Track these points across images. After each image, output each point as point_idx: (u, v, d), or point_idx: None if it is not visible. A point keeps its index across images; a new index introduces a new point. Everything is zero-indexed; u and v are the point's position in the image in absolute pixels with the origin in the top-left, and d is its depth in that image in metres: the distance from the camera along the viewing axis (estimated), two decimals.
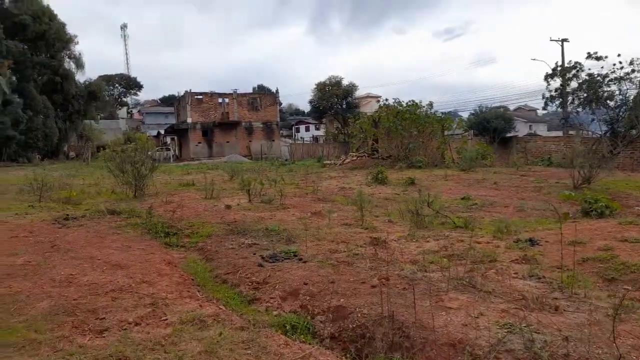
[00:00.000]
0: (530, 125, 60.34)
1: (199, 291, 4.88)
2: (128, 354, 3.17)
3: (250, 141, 49.38)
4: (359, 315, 3.90)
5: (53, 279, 4.89)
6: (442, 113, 28.43)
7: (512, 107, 57.34)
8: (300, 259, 5.68)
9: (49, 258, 5.79)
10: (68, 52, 42.57)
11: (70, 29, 42.42)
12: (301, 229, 7.39)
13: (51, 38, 38.50)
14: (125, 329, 3.65)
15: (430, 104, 26.17)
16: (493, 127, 34.21)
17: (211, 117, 48.01)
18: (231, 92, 50.03)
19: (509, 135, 35.27)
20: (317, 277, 4.90)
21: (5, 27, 33.04)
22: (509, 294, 4.15)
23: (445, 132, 26.32)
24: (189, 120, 47.03)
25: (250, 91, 60.70)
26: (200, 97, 48.18)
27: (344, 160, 26.65)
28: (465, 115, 46.33)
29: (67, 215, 9.11)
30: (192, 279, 5.32)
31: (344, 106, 54.16)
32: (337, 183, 15.83)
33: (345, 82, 54.08)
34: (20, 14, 35.44)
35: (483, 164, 21.68)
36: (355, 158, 25.87)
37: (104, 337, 3.51)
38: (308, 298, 4.44)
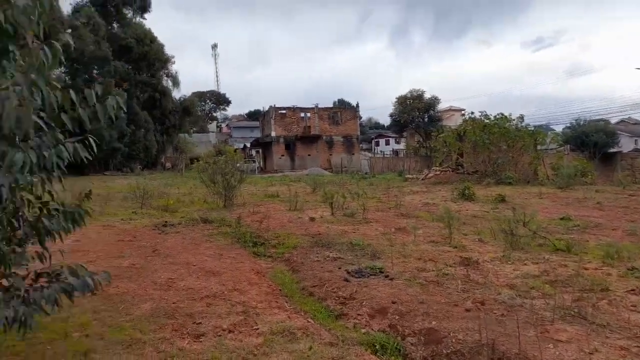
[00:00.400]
0: (636, 140, 54.57)
1: (287, 302, 4.93)
2: None
3: (330, 154, 49.98)
4: (454, 340, 3.68)
5: (155, 282, 5.23)
6: (533, 126, 26.67)
7: (613, 120, 52.47)
8: (387, 276, 5.53)
9: (150, 262, 6.22)
10: (166, 71, 46.36)
11: (168, 50, 46.13)
12: (386, 245, 7.24)
13: (152, 58, 42.25)
14: (219, 336, 3.77)
15: (521, 117, 24.66)
16: (593, 141, 31.57)
17: (293, 131, 49.39)
18: (313, 106, 51.15)
19: (611, 150, 32.21)
20: (405, 296, 4.73)
21: (113, 49, 36.89)
22: (628, 329, 3.69)
23: (538, 147, 24.62)
24: (273, 134, 48.78)
25: (331, 105, 61.79)
26: (284, 111, 49.82)
27: (427, 174, 25.90)
28: (558, 128, 43.23)
29: (166, 222, 9.80)
30: (280, 290, 5.40)
31: (426, 120, 53.18)
32: (420, 198, 15.39)
33: (427, 96, 53.23)
34: (126, 38, 39.42)
35: (582, 181, 19.88)
36: (438, 172, 25.03)
37: (200, 342, 3.66)
38: (397, 317, 4.29)
